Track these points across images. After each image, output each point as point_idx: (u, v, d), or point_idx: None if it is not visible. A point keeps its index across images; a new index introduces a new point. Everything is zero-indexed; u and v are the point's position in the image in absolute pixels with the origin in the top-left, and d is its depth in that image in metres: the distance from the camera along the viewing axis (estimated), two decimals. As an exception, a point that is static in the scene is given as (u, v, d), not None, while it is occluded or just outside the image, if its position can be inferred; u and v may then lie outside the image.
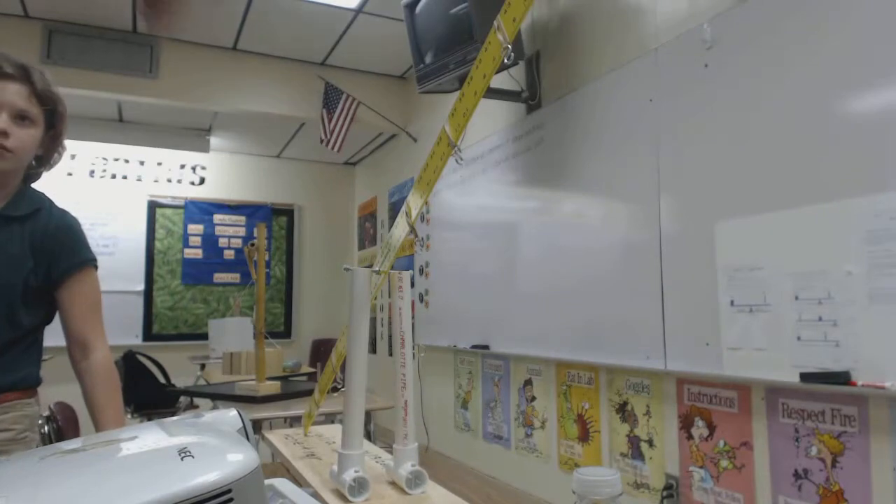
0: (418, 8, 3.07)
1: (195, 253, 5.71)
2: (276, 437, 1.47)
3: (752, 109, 1.95)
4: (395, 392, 1.07)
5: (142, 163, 5.57)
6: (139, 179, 5.56)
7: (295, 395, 2.54)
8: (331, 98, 4.46)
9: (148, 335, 5.46)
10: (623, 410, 2.58)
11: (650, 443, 2.43)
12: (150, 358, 4.20)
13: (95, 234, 5.29)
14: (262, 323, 2.63)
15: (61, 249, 1.34)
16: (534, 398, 3.19)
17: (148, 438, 0.60)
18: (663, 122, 2.29)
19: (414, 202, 1.13)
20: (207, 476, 0.51)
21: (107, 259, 5.32)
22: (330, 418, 2.32)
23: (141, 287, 5.44)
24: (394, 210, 5.31)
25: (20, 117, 1.25)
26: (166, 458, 0.54)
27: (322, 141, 4.51)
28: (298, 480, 1.12)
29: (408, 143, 4.94)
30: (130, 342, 5.10)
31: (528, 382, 3.24)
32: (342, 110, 4.41)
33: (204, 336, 5.15)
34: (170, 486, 0.49)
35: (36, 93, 1.28)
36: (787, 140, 1.84)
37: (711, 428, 2.16)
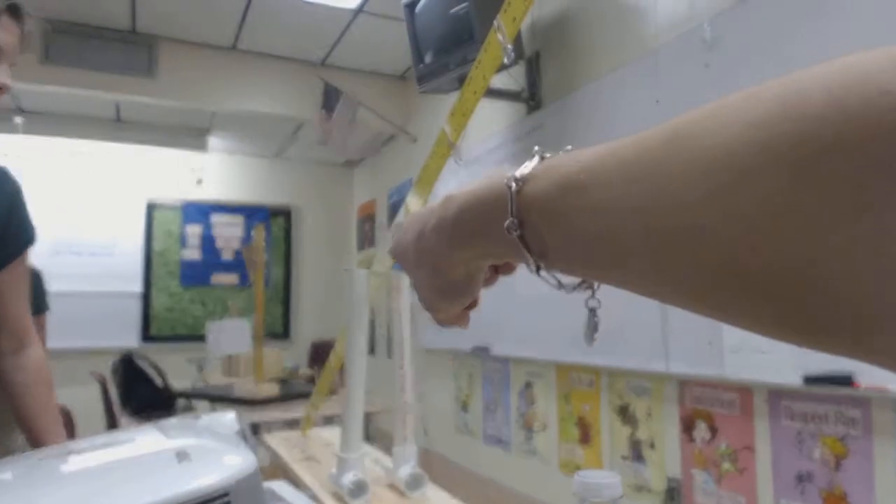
0: (418, 8, 3.06)
1: (193, 254, 5.69)
2: (274, 439, 1.45)
3: (753, 110, 1.94)
4: (394, 394, 1.06)
5: (140, 163, 5.56)
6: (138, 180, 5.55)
7: (294, 398, 2.53)
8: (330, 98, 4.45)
9: (146, 337, 5.44)
10: (624, 413, 2.57)
11: (651, 445, 2.42)
12: (147, 360, 4.18)
13: (93, 235, 5.27)
14: (261, 325, 2.62)
15: (10, 220, 1.07)
16: (534, 401, 3.18)
17: (146, 441, 0.59)
18: (664, 122, 2.28)
19: (413, 203, 1.12)
20: (205, 479, 0.50)
21: (105, 260, 5.31)
22: (329, 421, 2.30)
23: (139, 288, 5.43)
24: (393, 211, 5.30)
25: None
26: (164, 461, 0.53)
27: (322, 141, 4.50)
28: (297, 483, 1.11)
29: (407, 144, 4.94)
30: (128, 344, 5.08)
31: (529, 385, 3.23)
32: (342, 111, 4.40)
33: (202, 338, 5.13)
34: (167, 489, 0.48)
35: (22, 35, 1.11)
36: (790, 141, 1.83)
37: (713, 430, 2.15)
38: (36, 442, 1.16)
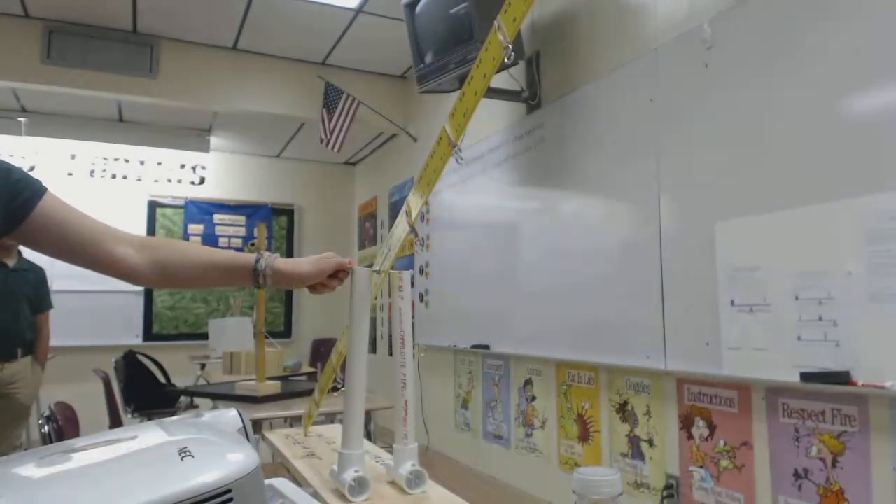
0: (418, 8, 3.07)
1: (195, 253, 5.70)
2: (276, 436, 1.47)
3: (752, 109, 1.95)
4: (395, 392, 1.07)
5: (142, 163, 5.57)
6: (139, 179, 5.56)
7: (295, 395, 2.54)
8: (331, 98, 4.45)
9: (148, 335, 5.46)
10: (623, 410, 2.58)
11: (650, 443, 2.43)
12: (150, 358, 4.20)
13: (95, 234, 5.28)
14: (262, 323, 2.63)
15: (10, 176, 0.92)
16: (534, 398, 3.19)
17: (148, 438, 0.60)
18: (663, 122, 2.29)
19: (414, 202, 1.13)
20: (207, 476, 0.51)
21: (107, 259, 5.32)
22: (330, 418, 2.32)
23: (141, 287, 5.44)
24: (394, 210, 5.31)
25: None
26: (166, 457, 0.54)
27: (322, 141, 4.51)
28: (298, 480, 1.12)
29: (408, 143, 4.94)
30: (130, 342, 5.09)
31: (529, 382, 3.24)
32: (342, 110, 4.41)
33: (204, 336, 5.15)
34: (170, 486, 0.49)
35: None
36: (788, 140, 1.84)
37: (711, 428, 2.16)
38: (223, 259, 1.07)
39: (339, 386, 1.74)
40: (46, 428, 2.60)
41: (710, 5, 2.16)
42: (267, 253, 1.09)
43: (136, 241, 1.02)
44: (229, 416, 0.74)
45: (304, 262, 1.12)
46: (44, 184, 0.97)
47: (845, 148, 1.69)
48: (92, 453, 0.56)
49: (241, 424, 0.73)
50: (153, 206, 5.59)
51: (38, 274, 3.33)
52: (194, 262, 1.04)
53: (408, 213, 1.13)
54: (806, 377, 1.75)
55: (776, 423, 1.93)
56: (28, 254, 3.26)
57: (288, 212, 6.20)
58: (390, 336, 4.96)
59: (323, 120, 4.50)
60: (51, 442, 2.43)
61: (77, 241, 0.97)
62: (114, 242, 0.99)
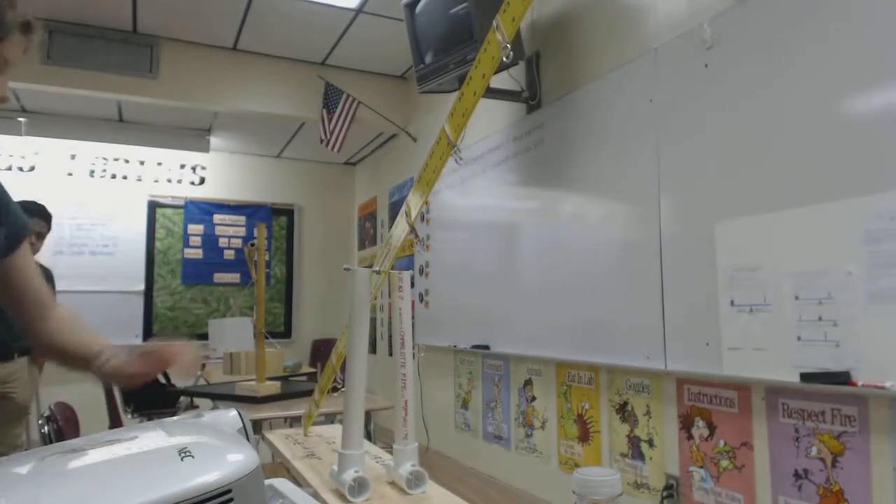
0: (418, 8, 3.07)
1: (195, 253, 5.70)
2: (276, 437, 1.47)
3: (752, 109, 1.95)
4: (395, 392, 1.07)
5: (142, 163, 5.57)
6: (139, 179, 5.56)
7: (295, 395, 2.54)
8: (331, 98, 4.46)
9: (148, 335, 5.45)
10: (623, 410, 2.58)
11: (650, 443, 2.43)
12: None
13: (95, 234, 5.28)
14: (262, 323, 2.63)
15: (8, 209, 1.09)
16: (534, 398, 3.19)
17: (148, 438, 0.60)
18: (663, 122, 2.29)
19: (414, 202, 1.13)
20: (207, 476, 0.51)
21: (107, 259, 5.32)
22: (330, 418, 2.32)
23: (141, 287, 5.44)
24: (394, 210, 5.31)
25: None
26: (166, 458, 0.54)
27: (322, 141, 4.51)
28: (298, 480, 1.12)
29: (408, 143, 4.94)
30: (130, 342, 5.09)
31: (529, 382, 3.24)
32: (342, 110, 4.41)
33: (204, 336, 5.15)
34: (170, 487, 0.49)
35: (27, 46, 1.06)
36: (787, 140, 1.84)
37: (711, 428, 2.16)
38: (90, 345, 1.22)
39: (339, 386, 1.74)
40: (46, 428, 2.60)
41: (710, 5, 2.16)
42: (108, 354, 1.17)
43: (57, 314, 1.17)
44: (229, 416, 0.74)
45: (129, 363, 1.20)
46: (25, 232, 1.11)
47: (845, 148, 1.69)
48: (92, 453, 0.56)
49: (241, 424, 0.73)
50: (153, 207, 5.58)
51: (47, 274, 3.34)
52: (53, 345, 1.18)
53: (407, 214, 1.13)
54: (806, 377, 1.75)
55: (776, 423, 1.93)
56: (38, 256, 3.26)
57: (288, 212, 6.20)
58: (390, 336, 4.96)
59: (323, 120, 4.50)
60: (51, 442, 2.43)
61: (30, 302, 1.15)
62: (48, 318, 1.16)
